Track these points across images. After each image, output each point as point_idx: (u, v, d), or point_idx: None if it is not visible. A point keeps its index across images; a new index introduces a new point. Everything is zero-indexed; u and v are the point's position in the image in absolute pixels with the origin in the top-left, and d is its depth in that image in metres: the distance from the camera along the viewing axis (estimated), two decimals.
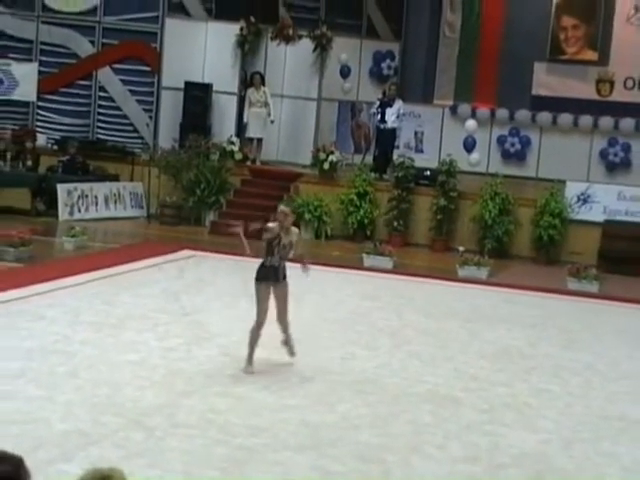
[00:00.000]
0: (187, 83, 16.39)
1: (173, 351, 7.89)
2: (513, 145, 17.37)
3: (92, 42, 17.10)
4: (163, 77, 16.71)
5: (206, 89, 16.43)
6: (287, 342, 7.68)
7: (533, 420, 6.94)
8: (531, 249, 14.52)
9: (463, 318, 10.13)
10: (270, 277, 7.42)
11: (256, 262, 7.62)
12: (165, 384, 7.01)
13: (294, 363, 7.70)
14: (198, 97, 16.32)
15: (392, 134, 15.83)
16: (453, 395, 7.35)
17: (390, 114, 15.65)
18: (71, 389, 6.72)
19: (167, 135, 16.47)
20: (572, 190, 14.54)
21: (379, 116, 15.67)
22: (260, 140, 16.34)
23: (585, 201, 14.49)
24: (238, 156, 15.93)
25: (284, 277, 7.51)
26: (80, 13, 17.06)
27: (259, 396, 6.92)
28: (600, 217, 14.32)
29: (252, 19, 16.53)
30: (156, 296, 9.97)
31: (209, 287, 10.75)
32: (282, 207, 7.70)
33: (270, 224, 7.53)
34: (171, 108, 16.61)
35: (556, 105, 16.96)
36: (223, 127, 16.53)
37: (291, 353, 7.71)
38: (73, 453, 5.58)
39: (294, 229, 7.61)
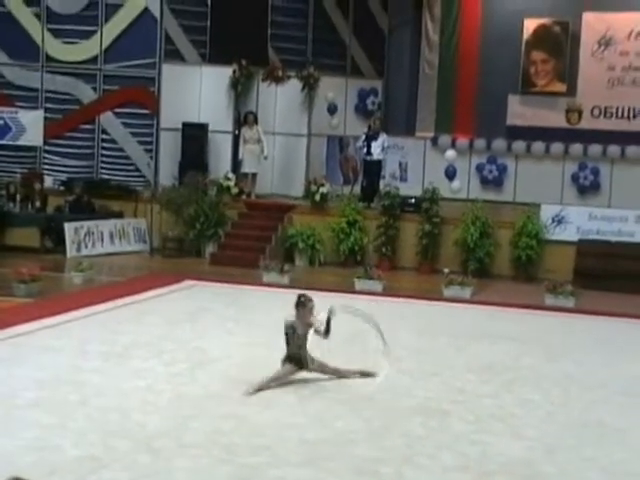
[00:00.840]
0: (184, 124, 16.52)
1: (178, 376, 7.89)
2: (491, 172, 17.53)
3: (94, 88, 17.22)
4: (162, 119, 16.83)
5: (202, 129, 16.54)
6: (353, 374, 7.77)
7: (518, 429, 6.95)
8: (510, 268, 14.60)
9: (450, 335, 10.19)
10: (295, 363, 7.59)
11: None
12: (171, 408, 7.01)
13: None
14: (195, 136, 16.44)
15: (378, 165, 15.96)
16: (442, 408, 7.37)
17: (375, 146, 15.79)
18: (82, 416, 6.71)
19: (167, 173, 16.57)
20: (547, 212, 14.65)
21: (365, 149, 15.81)
22: (255, 175, 16.45)
23: (559, 222, 14.59)
24: (234, 191, 16.02)
25: (311, 362, 7.57)
26: (82, 62, 17.20)
27: (261, 417, 6.92)
28: (574, 237, 14.43)
29: (244, 62, 16.71)
30: (160, 325, 9.99)
31: (210, 314, 10.77)
32: (302, 297, 7.49)
33: (288, 318, 7.52)
34: (170, 147, 16.72)
35: (529, 134, 17.16)
36: (219, 164, 16.65)
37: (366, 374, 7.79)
38: (86, 477, 5.57)
39: (315, 318, 7.42)
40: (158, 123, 16.92)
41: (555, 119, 17.08)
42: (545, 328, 10.94)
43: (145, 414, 6.82)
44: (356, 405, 7.31)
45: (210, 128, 16.61)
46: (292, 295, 7.90)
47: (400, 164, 17.83)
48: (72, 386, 7.41)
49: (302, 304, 7.61)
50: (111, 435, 6.33)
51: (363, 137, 15.87)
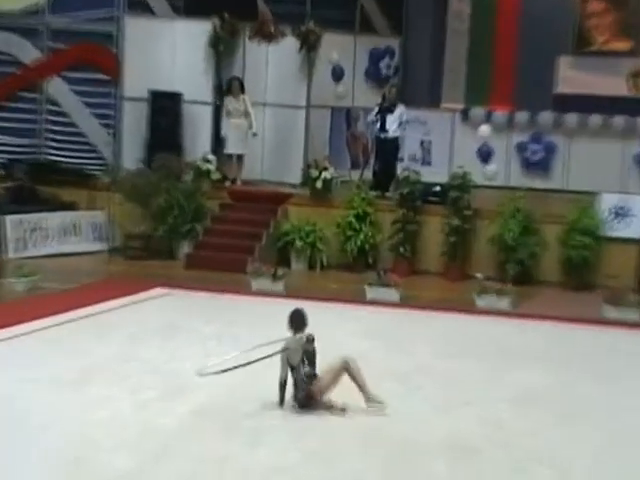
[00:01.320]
0: (152, 93, 16.58)
1: (147, 406, 8.00)
2: (535, 153, 17.58)
3: (38, 47, 17.23)
4: (124, 86, 16.88)
5: (175, 99, 16.61)
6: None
7: (567, 475, 7.01)
8: (560, 273, 14.66)
9: (482, 356, 10.26)
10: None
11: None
12: (139, 445, 7.11)
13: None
14: (166, 109, 16.50)
15: (394, 145, 16.03)
16: (472, 445, 7.45)
17: (391, 122, 15.86)
18: (30, 457, 6.81)
19: (131, 154, 16.64)
20: (606, 203, 14.70)
21: (379, 124, 15.87)
22: (241, 157, 16.52)
23: (622, 215, 14.66)
24: (215, 176, 16.09)
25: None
26: (22, 13, 17.16)
27: (246, 456, 7.01)
28: (639, 233, 14.50)
29: (226, 15, 16.74)
30: (124, 343, 10.08)
31: (186, 331, 10.84)
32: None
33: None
34: (135, 122, 16.79)
35: (584, 105, 17.20)
36: (197, 143, 16.71)
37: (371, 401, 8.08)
38: None
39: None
40: (119, 91, 16.97)
41: (616, 86, 17.15)
42: (603, 348, 11.04)
43: (107, 452, 6.92)
44: (364, 440, 7.41)
45: (185, 98, 16.68)
46: (288, 307, 8.02)
47: (422, 143, 17.90)
48: (16, 422, 7.50)
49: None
50: (66, 479, 6.44)
51: (376, 110, 15.94)
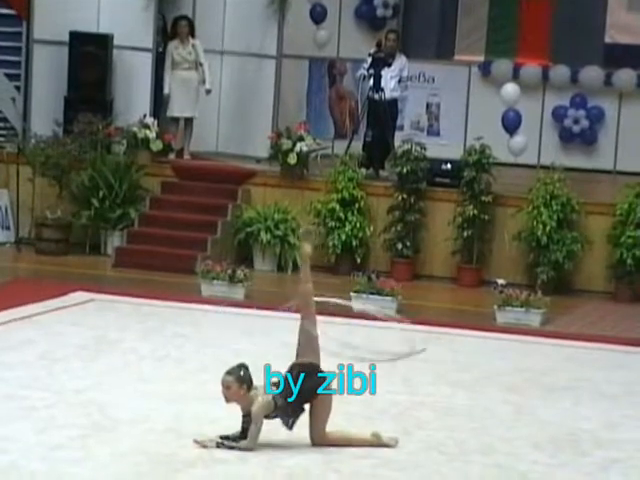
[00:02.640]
0: (74, 34, 16.48)
1: (60, 449, 7.91)
2: (577, 122, 17.60)
3: None
4: (35, 25, 16.74)
5: (104, 43, 16.53)
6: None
7: None
8: (607, 279, 14.71)
9: (505, 387, 10.24)
10: None
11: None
12: None
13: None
14: (91, 56, 16.42)
15: (392, 108, 16.01)
16: None
17: (389, 78, 15.85)
18: None
19: (45, 115, 16.55)
20: None
21: (372, 81, 15.83)
22: (190, 121, 16.48)
23: None
24: (156, 146, 16.03)
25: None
26: None
27: None
28: None
29: None
30: (32, 363, 9.99)
31: (115, 348, 10.79)
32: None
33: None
34: (50, 73, 16.71)
35: None
36: (132, 102, 16.64)
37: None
38: None
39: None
40: (29, 32, 16.85)
41: None
42: None
43: None
44: None
45: (116, 42, 16.60)
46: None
47: (428, 107, 17.91)
48: None
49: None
50: None
51: (368, 62, 15.90)
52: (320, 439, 8.26)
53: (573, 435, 9.00)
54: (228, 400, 8.10)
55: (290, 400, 8.09)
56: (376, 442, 8.36)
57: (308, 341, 8.24)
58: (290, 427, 8.13)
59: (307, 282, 8.46)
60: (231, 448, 7.98)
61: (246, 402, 8.06)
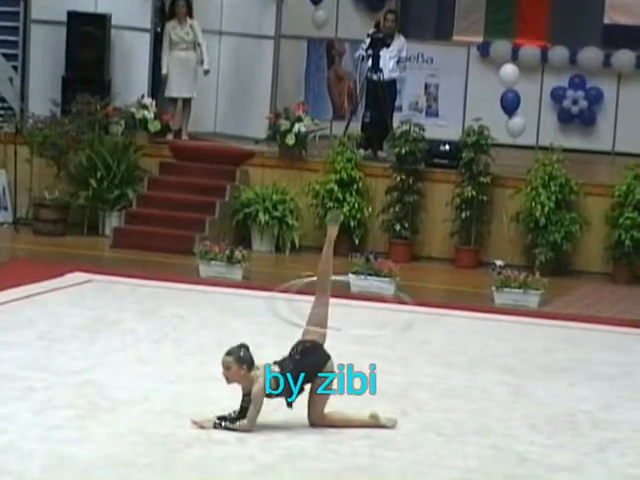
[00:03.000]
0: (72, 14, 16.47)
1: (58, 429, 7.92)
2: (576, 103, 17.57)
3: None
4: (33, 5, 16.75)
5: (102, 23, 16.51)
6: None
7: None
8: (606, 260, 14.73)
9: (503, 368, 10.26)
10: None
11: None
12: None
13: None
14: (89, 36, 16.41)
15: (390, 89, 16.00)
16: None
17: (387, 58, 15.83)
18: None
19: (42, 95, 16.53)
20: None
21: (370, 62, 15.83)
22: (188, 101, 16.47)
23: None
24: (154, 127, 16.03)
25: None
26: None
27: None
28: None
29: None
30: (30, 344, 10.01)
31: (114, 329, 10.79)
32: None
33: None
34: (48, 53, 16.72)
35: None
36: (130, 82, 16.64)
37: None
38: None
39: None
40: (27, 12, 16.85)
41: None
42: None
43: None
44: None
45: (114, 22, 16.57)
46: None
47: (427, 87, 17.86)
48: None
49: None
50: None
51: (367, 42, 15.89)
52: (318, 420, 8.29)
53: (570, 416, 9.02)
54: (229, 381, 8.11)
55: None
56: (374, 423, 8.39)
57: (319, 322, 8.30)
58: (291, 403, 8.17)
59: (328, 263, 8.60)
60: (229, 429, 8.00)
61: (247, 382, 8.07)
